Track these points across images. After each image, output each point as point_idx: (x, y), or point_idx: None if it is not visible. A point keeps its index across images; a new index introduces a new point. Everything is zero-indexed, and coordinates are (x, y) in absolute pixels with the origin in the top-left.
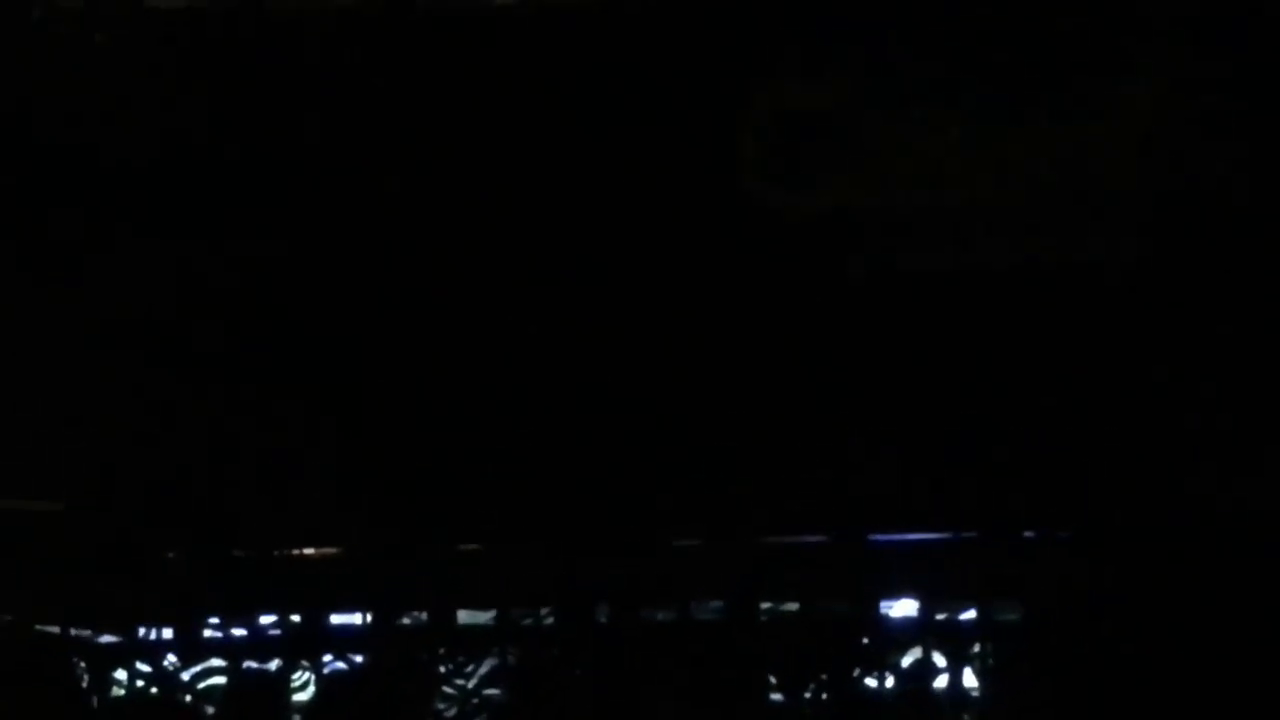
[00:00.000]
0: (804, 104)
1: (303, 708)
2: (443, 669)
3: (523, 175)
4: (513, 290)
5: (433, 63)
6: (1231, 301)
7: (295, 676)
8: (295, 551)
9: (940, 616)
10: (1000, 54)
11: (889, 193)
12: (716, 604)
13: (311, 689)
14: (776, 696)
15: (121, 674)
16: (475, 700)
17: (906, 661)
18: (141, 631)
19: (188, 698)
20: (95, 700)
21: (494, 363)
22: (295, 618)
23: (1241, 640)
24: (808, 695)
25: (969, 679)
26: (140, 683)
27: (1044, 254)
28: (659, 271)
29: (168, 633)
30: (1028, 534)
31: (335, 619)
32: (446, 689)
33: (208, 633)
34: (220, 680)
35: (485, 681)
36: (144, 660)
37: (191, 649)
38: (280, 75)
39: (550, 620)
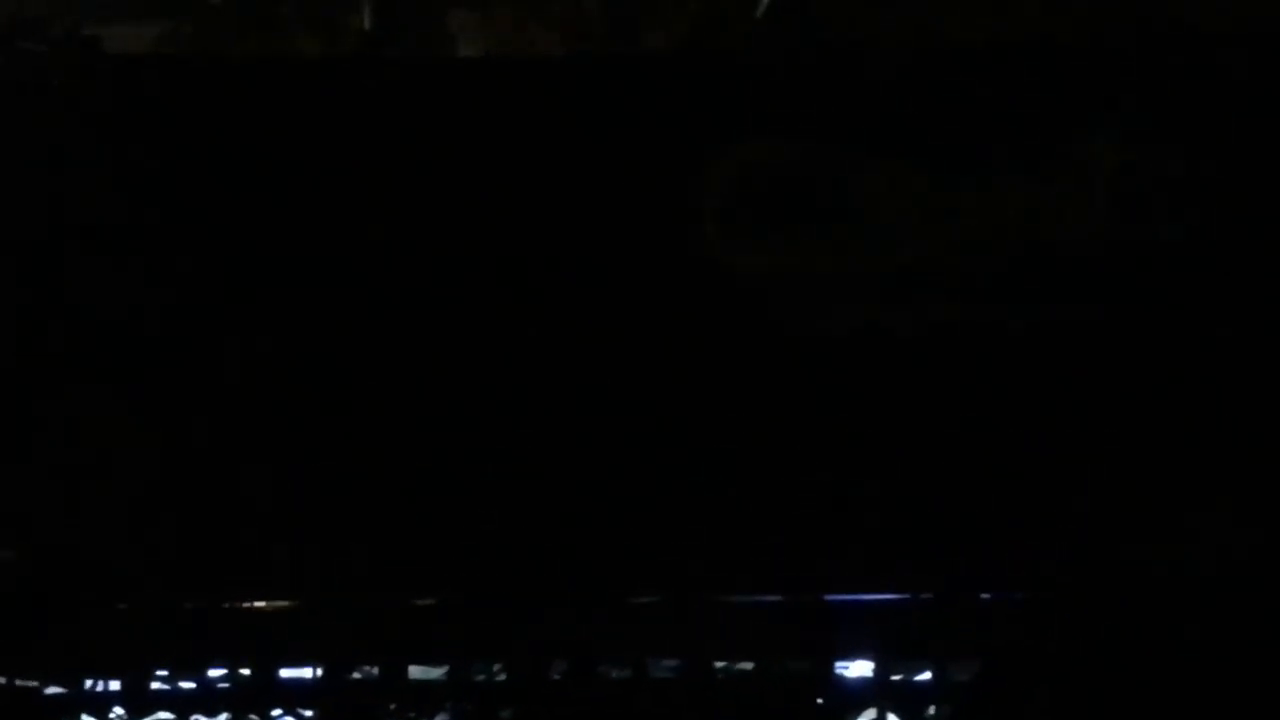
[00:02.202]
0: (765, 162)
1: None
2: None
3: (486, 228)
4: (470, 344)
5: (398, 113)
6: (1188, 364)
7: None
8: (245, 603)
9: (896, 677)
10: (959, 114)
11: (850, 251)
12: (672, 662)
13: None
14: None
15: None
16: None
17: None
18: (88, 683)
19: None
20: None
21: (450, 416)
22: (245, 671)
23: (1196, 699)
24: None
25: None
26: None
27: (1001, 314)
28: (618, 328)
29: (115, 685)
30: (984, 595)
31: (285, 672)
32: None
33: (156, 685)
34: None
35: None
36: (91, 713)
37: (139, 702)
38: (246, 123)
39: (504, 676)
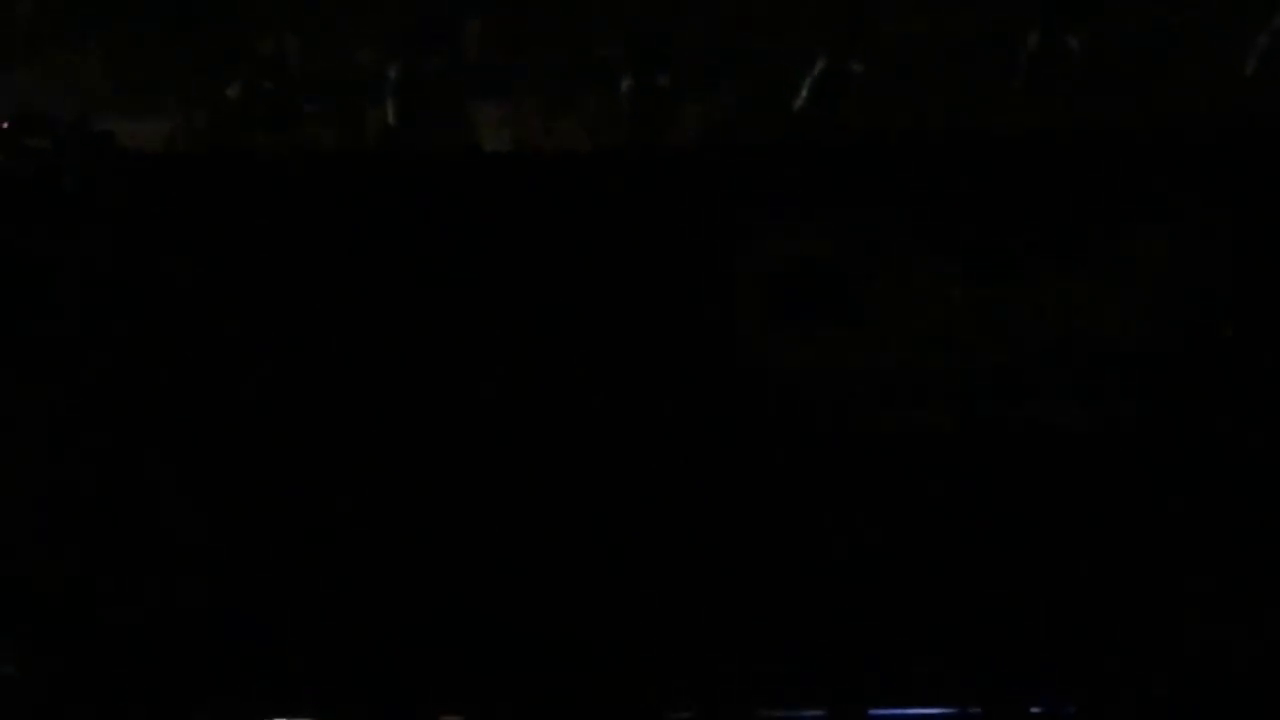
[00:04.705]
0: (798, 258)
1: None
2: None
3: (509, 323)
4: (495, 449)
5: (420, 208)
6: (1231, 470)
7: None
8: None
9: None
10: (997, 213)
11: (886, 351)
12: None
13: None
14: None
15: None
16: None
17: None
18: None
19: None
20: None
21: (477, 531)
22: None
23: None
24: None
25: None
26: None
27: (1043, 418)
28: (649, 430)
29: None
30: (1034, 709)
31: None
32: None
33: None
34: None
35: None
36: None
37: None
38: (263, 219)
39: None
